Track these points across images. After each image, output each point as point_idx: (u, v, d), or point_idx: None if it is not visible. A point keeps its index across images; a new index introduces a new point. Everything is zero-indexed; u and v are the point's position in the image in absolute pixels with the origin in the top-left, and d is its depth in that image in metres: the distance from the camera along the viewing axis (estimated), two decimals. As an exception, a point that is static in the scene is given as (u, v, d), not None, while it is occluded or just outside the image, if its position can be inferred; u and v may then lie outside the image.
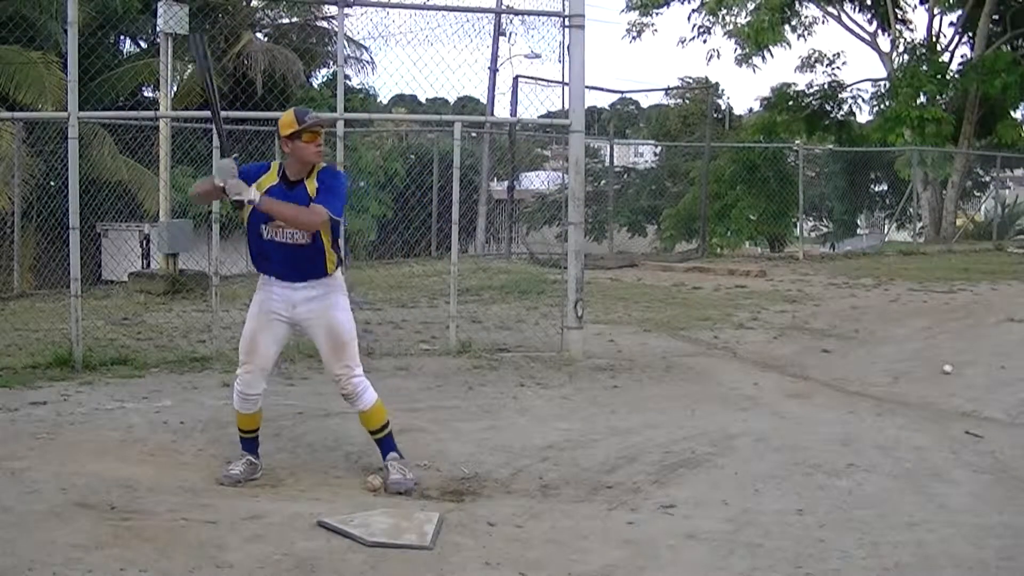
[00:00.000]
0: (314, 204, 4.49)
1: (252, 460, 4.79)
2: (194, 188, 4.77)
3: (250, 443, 4.83)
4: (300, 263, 4.60)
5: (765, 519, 4.32)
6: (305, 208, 4.47)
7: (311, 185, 4.57)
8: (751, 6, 21.43)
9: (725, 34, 21.98)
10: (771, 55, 21.31)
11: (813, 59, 23.04)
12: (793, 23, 22.38)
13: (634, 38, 22.75)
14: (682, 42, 23.04)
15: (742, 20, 21.50)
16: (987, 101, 21.07)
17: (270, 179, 4.58)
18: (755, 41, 20.74)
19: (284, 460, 4.99)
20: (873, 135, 21.59)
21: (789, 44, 22.06)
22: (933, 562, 3.86)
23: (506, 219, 17.58)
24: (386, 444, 4.81)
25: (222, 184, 4.40)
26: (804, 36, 22.93)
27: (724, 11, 21.56)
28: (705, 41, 22.64)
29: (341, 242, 4.95)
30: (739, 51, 21.58)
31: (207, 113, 9.01)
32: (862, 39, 23.03)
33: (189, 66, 17.09)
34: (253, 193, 4.41)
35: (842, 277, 13.87)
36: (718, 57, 22.99)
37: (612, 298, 11.51)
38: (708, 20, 22.13)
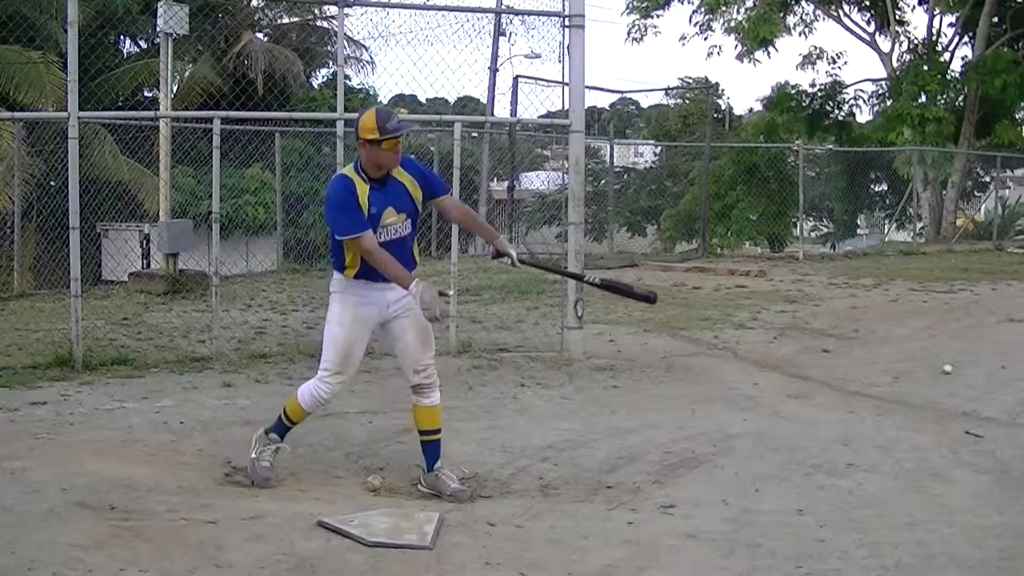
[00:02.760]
0: (449, 197, 4.78)
1: (281, 447, 4.69)
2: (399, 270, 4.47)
3: (287, 430, 4.73)
4: (403, 255, 4.52)
5: (765, 519, 4.32)
6: (476, 219, 4.96)
7: (401, 175, 4.53)
8: (749, 2, 21.45)
9: (724, 30, 21.97)
10: (775, 49, 21.25)
11: (815, 56, 23.01)
12: (793, 20, 22.39)
13: (636, 40, 22.73)
14: (683, 39, 23.04)
15: (741, 16, 21.51)
16: (987, 101, 21.06)
17: (363, 188, 4.44)
18: (754, 35, 20.70)
19: (284, 460, 4.97)
20: (874, 134, 21.59)
21: (790, 31, 22.01)
22: (933, 562, 3.86)
23: (506, 219, 17.58)
24: (435, 450, 4.71)
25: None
26: (805, 33, 22.95)
27: (723, 7, 21.55)
28: (706, 39, 22.66)
29: None
30: (739, 47, 21.56)
31: (209, 114, 9.02)
32: (861, 39, 23.04)
33: (188, 66, 17.07)
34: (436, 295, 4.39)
35: (842, 277, 13.87)
36: (719, 53, 22.94)
37: (612, 298, 11.48)
38: (708, 17, 22.13)
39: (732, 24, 21.64)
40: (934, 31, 22.40)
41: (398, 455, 5.15)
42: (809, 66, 23.15)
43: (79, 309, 7.09)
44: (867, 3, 22.88)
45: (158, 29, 11.30)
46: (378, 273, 4.45)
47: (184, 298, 10.87)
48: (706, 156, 18.57)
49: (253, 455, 4.67)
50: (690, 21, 22.52)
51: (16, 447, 5.00)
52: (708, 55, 24.18)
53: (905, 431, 5.88)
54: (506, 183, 16.97)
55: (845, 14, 22.95)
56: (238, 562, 3.64)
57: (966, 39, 22.23)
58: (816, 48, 23.11)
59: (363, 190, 4.44)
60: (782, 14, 21.43)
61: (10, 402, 5.97)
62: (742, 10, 21.53)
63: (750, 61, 21.56)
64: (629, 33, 22.74)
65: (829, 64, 23.02)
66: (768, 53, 21.27)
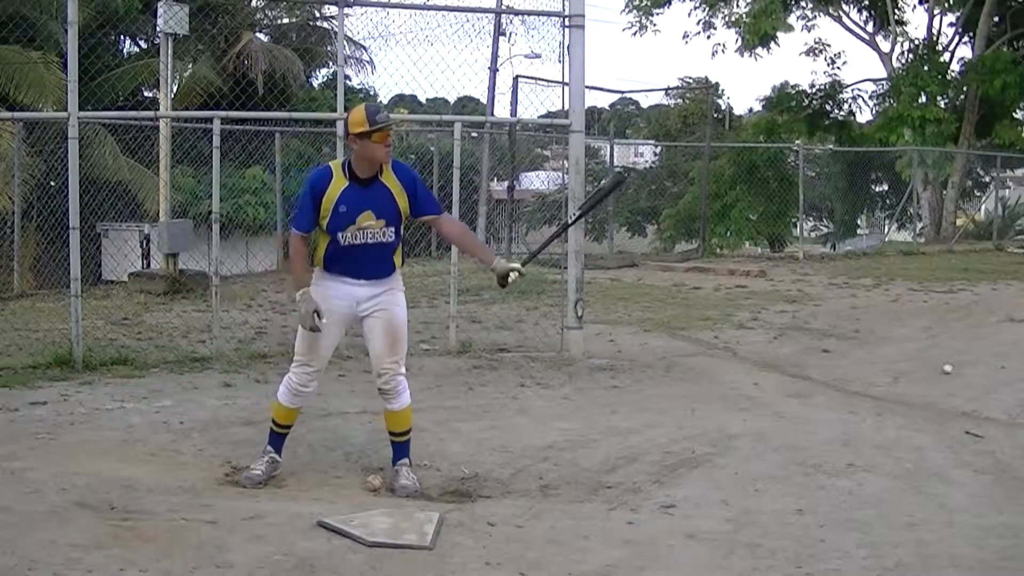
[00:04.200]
0: (443, 216, 4.80)
1: (276, 458, 4.73)
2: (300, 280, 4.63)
3: (280, 439, 4.77)
4: (378, 262, 4.59)
5: (765, 519, 4.32)
6: (470, 238, 4.98)
7: (390, 181, 4.55)
8: None
9: (725, 24, 21.98)
10: (776, 44, 21.24)
11: (818, 49, 23.02)
12: (794, 17, 22.41)
13: (635, 33, 22.75)
14: (686, 37, 23.05)
15: (742, 9, 21.54)
16: (987, 101, 21.07)
17: (338, 184, 4.50)
18: (756, 29, 20.70)
19: (284, 460, 4.97)
20: (873, 135, 21.59)
21: (791, 27, 22.03)
22: (933, 562, 3.86)
23: (506, 219, 17.57)
24: (403, 449, 4.78)
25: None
26: (807, 27, 22.98)
27: (723, 1, 21.57)
28: (709, 36, 22.68)
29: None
30: (739, 41, 21.56)
31: (209, 114, 9.01)
32: (861, 39, 23.05)
33: (191, 67, 17.04)
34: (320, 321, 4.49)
35: (842, 277, 13.87)
36: (723, 51, 22.97)
37: (612, 298, 11.51)
38: (708, 13, 22.14)
39: (734, 18, 21.66)
40: (934, 31, 22.42)
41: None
42: (813, 56, 23.15)
43: (79, 309, 7.09)
44: (867, 3, 22.89)
45: (158, 29, 11.30)
46: (351, 269, 4.57)
47: (184, 298, 10.87)
48: (706, 156, 18.57)
49: (252, 464, 4.74)
50: (689, 16, 22.58)
51: (16, 447, 5.00)
52: (712, 54, 24.08)
53: (905, 431, 5.88)
54: (506, 183, 16.96)
55: (845, 14, 22.97)
56: (238, 562, 3.64)
57: (966, 39, 22.24)
58: (819, 40, 23.16)
59: (337, 186, 4.50)
60: (784, 11, 21.43)
61: (10, 402, 5.97)
62: (743, 3, 21.58)
63: (751, 55, 21.57)
64: (630, 24, 22.79)
65: (828, 64, 23.05)
66: (769, 48, 21.28)
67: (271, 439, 4.77)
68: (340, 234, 4.51)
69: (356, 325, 4.79)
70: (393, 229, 4.59)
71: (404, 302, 4.75)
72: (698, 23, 22.46)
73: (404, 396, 4.74)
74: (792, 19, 22.34)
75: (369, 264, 4.59)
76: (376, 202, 4.53)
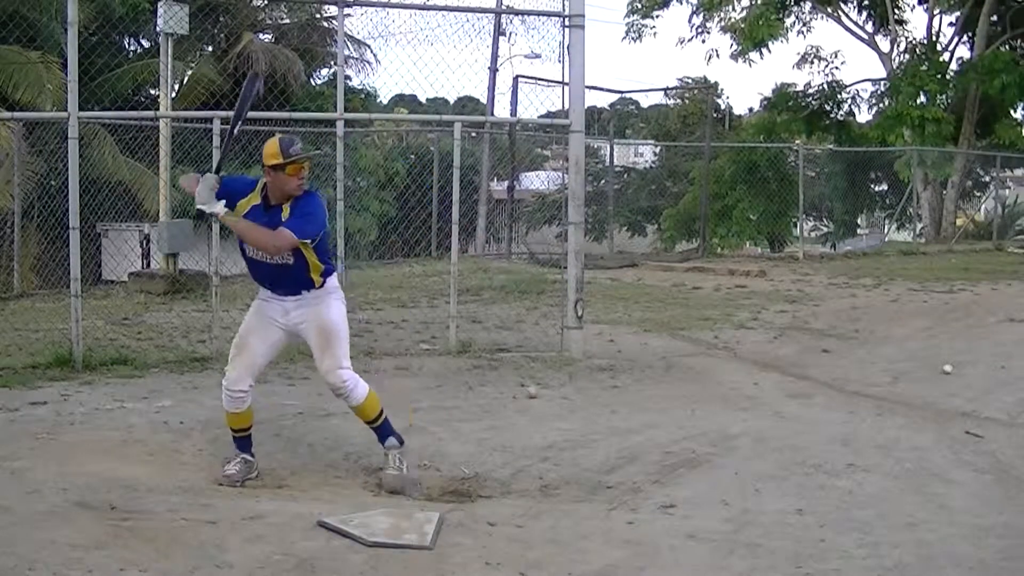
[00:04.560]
0: (281, 228, 4.46)
1: (247, 458, 4.77)
2: (181, 180, 4.86)
3: (243, 441, 4.81)
4: (285, 280, 4.66)
5: (765, 519, 4.32)
6: (270, 232, 4.46)
7: (286, 209, 4.57)
8: (746, 1, 21.45)
9: (721, 29, 21.97)
10: (768, 51, 21.26)
11: (811, 56, 23.00)
12: (791, 20, 22.37)
13: (634, 39, 22.74)
14: (681, 42, 23.04)
15: (737, 15, 21.52)
16: (987, 101, 21.06)
17: (252, 199, 4.62)
18: (751, 36, 20.70)
19: (284, 460, 4.99)
20: (872, 134, 21.58)
21: (787, 39, 22.05)
22: (933, 562, 3.86)
23: (506, 219, 17.58)
24: (383, 431, 4.83)
25: (192, 190, 4.53)
26: (803, 33, 22.95)
27: (720, 6, 21.55)
28: (704, 41, 22.66)
29: (333, 253, 4.95)
30: (735, 47, 21.56)
31: (209, 114, 9.03)
32: (861, 39, 23.04)
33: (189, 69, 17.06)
34: (217, 208, 4.51)
35: (842, 277, 13.87)
36: (717, 56, 22.97)
37: (612, 298, 11.51)
38: (706, 18, 22.13)
39: (729, 24, 21.65)
40: (933, 31, 22.41)
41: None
42: (806, 65, 23.16)
43: (79, 309, 7.09)
44: (866, 2, 22.88)
45: (158, 29, 11.29)
46: (268, 284, 4.70)
47: (184, 298, 10.86)
48: (706, 156, 18.57)
49: (225, 465, 4.77)
50: (689, 22, 22.56)
51: (16, 447, 5.00)
52: (707, 60, 24.06)
53: (905, 431, 5.89)
54: (506, 183, 16.97)
55: (844, 14, 22.95)
56: (238, 562, 3.64)
57: (965, 39, 22.23)
58: (813, 48, 23.11)
59: (249, 201, 4.61)
60: (780, 15, 21.41)
61: (10, 402, 5.97)
62: (739, 8, 21.56)
63: (745, 61, 21.58)
64: (628, 32, 22.78)
65: (823, 64, 23.00)
66: (762, 53, 21.30)
67: (236, 444, 4.82)
68: (244, 245, 4.64)
69: (295, 337, 4.83)
70: (290, 252, 4.56)
71: (337, 306, 4.76)
72: (692, 28, 22.45)
73: (358, 390, 4.75)
74: (788, 22, 22.29)
75: (281, 281, 4.67)
76: (270, 223, 4.53)
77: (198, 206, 4.52)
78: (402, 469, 4.74)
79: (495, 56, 19.49)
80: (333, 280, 4.80)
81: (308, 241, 4.54)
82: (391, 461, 4.76)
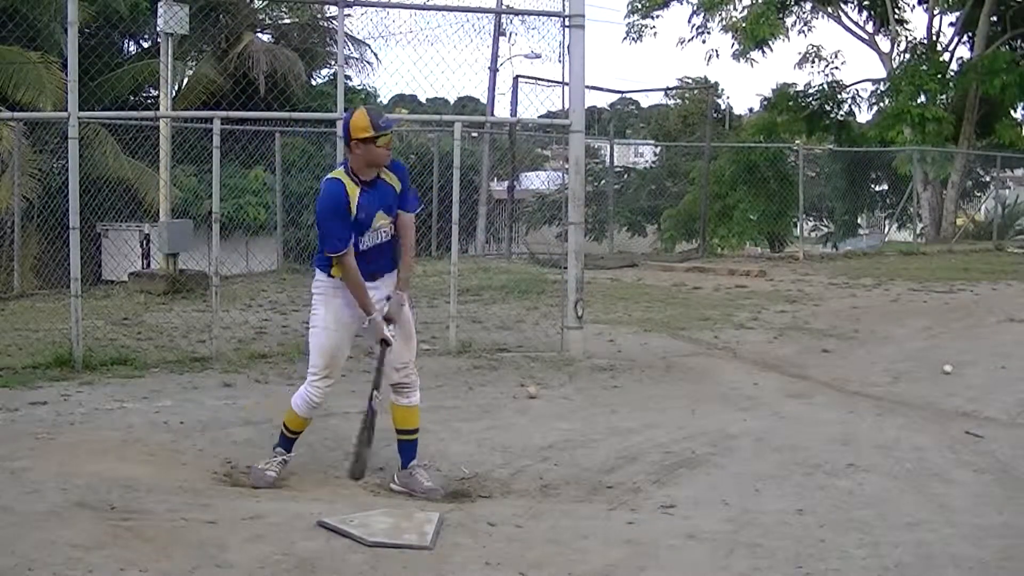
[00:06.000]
0: (408, 216, 4.65)
1: (288, 459, 4.79)
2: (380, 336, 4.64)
3: (291, 442, 4.82)
4: (386, 258, 4.66)
5: (765, 519, 4.32)
6: (413, 241, 4.73)
7: (390, 178, 4.60)
8: (747, 0, 21.45)
9: (721, 29, 21.97)
10: (770, 49, 21.25)
11: (812, 55, 23.00)
12: (791, 20, 22.37)
13: (634, 40, 22.75)
14: (681, 43, 23.04)
15: (738, 14, 21.51)
16: (987, 101, 21.06)
17: (353, 192, 4.50)
18: (752, 35, 20.69)
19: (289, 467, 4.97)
20: (872, 133, 21.58)
21: (787, 37, 22.04)
22: (933, 562, 3.86)
23: (506, 219, 17.58)
24: (412, 448, 4.82)
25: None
26: (804, 32, 22.95)
27: (720, 5, 21.55)
28: (704, 41, 22.66)
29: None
30: (736, 46, 21.55)
31: (209, 114, 9.02)
32: (861, 39, 23.04)
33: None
34: (391, 330, 4.56)
35: (842, 277, 13.87)
36: (717, 57, 22.97)
37: (612, 298, 11.51)
38: (706, 18, 22.13)
39: (730, 23, 21.64)
40: (934, 31, 22.42)
41: (398, 455, 5.14)
42: (806, 65, 23.16)
43: (79, 309, 7.09)
44: (866, 2, 22.88)
45: (158, 29, 11.30)
46: (363, 272, 4.55)
47: (184, 298, 10.86)
48: (706, 156, 18.57)
49: (262, 464, 4.75)
50: (689, 23, 22.56)
51: (16, 447, 5.00)
52: (707, 60, 24.05)
53: (905, 431, 5.88)
54: (506, 183, 16.98)
55: (844, 14, 22.95)
56: (238, 562, 3.64)
57: (965, 39, 22.24)
58: (813, 47, 23.11)
59: (354, 193, 4.51)
60: (780, 15, 21.41)
61: (10, 402, 5.97)
62: (739, 7, 21.56)
63: (746, 61, 21.57)
64: (628, 33, 22.78)
65: (824, 64, 23.00)
66: (764, 52, 21.28)
67: (284, 443, 4.80)
68: (359, 240, 4.54)
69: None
70: (394, 224, 4.65)
71: (407, 299, 4.78)
72: (693, 28, 22.44)
73: (418, 392, 4.81)
74: (789, 22, 22.30)
75: (377, 262, 4.63)
76: (385, 200, 4.59)
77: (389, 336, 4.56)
78: (435, 481, 4.75)
79: (495, 56, 19.52)
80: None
81: None
82: (421, 473, 4.75)
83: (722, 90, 36.43)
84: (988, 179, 24.68)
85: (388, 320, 4.59)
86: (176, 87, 17.50)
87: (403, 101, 24.81)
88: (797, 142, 20.08)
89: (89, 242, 13.11)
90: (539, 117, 12.57)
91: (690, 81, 29.00)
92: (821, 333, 9.42)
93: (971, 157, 22.15)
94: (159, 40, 11.99)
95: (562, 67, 12.90)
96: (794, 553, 3.92)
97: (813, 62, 22.97)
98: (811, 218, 24.39)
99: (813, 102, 22.68)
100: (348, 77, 20.80)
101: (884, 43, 22.83)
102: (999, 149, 21.10)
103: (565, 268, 8.09)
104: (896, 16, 22.40)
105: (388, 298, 4.64)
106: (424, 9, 9.24)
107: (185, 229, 11.51)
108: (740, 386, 7.12)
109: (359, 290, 4.50)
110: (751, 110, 29.57)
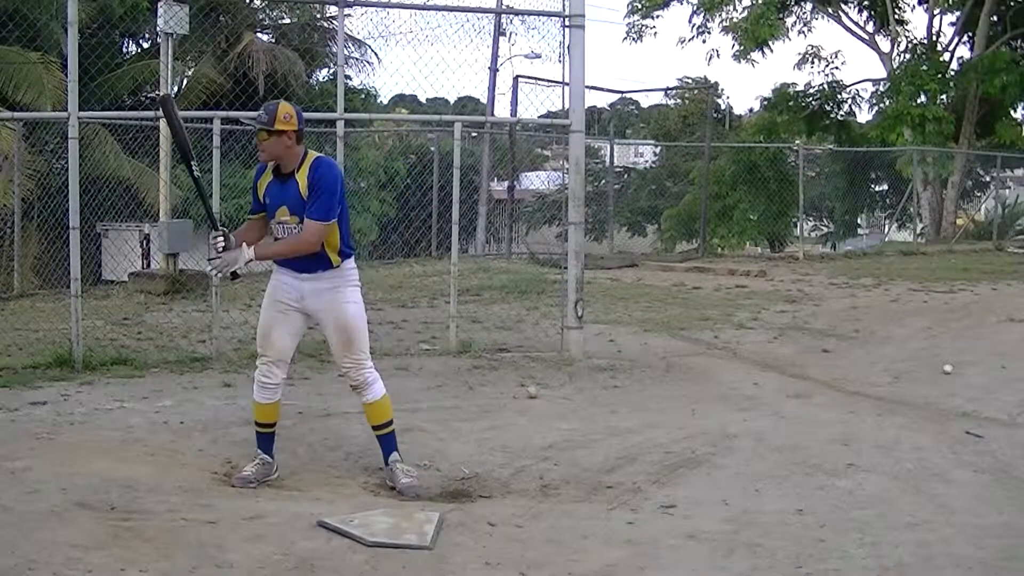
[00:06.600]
0: (307, 222, 4.47)
1: (267, 459, 4.75)
2: (216, 273, 4.78)
3: (267, 439, 4.79)
4: (307, 256, 4.59)
5: (765, 519, 4.32)
6: (299, 237, 4.50)
7: (302, 178, 4.52)
8: (747, 1, 21.45)
9: (722, 30, 21.96)
10: (770, 50, 21.26)
11: (811, 56, 23.00)
12: (792, 20, 22.37)
13: (634, 40, 22.75)
14: (681, 42, 23.03)
15: (738, 15, 21.51)
16: (987, 101, 21.06)
17: (266, 177, 4.63)
18: (752, 36, 20.69)
19: (284, 460, 4.98)
20: (872, 133, 21.58)
21: (788, 37, 22.04)
22: (933, 562, 3.86)
23: (506, 219, 17.58)
24: (388, 442, 4.79)
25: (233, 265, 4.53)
26: (804, 32, 22.95)
27: (721, 6, 21.55)
28: (704, 41, 22.66)
29: (350, 233, 4.81)
30: (736, 47, 21.55)
31: (209, 114, 9.02)
32: (861, 39, 23.04)
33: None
34: (246, 256, 4.50)
35: (842, 277, 13.87)
36: (718, 56, 22.98)
37: (612, 298, 11.51)
38: (706, 18, 22.13)
39: (730, 23, 21.64)
40: (934, 31, 22.42)
41: (398, 455, 5.15)
42: (807, 65, 23.15)
43: (79, 309, 7.09)
44: (867, 2, 22.88)
45: (158, 29, 11.29)
46: (286, 261, 4.63)
47: (184, 298, 10.86)
48: (706, 156, 18.57)
49: (244, 466, 4.76)
50: (689, 22, 22.56)
51: (16, 447, 5.00)
52: (708, 60, 24.05)
53: (905, 431, 5.88)
54: (506, 183, 16.98)
55: (844, 14, 22.95)
56: (238, 562, 3.64)
57: (966, 39, 22.23)
58: (813, 47, 23.10)
59: (266, 179, 4.63)
60: (781, 15, 21.41)
61: (10, 402, 5.97)
62: (740, 7, 21.56)
63: (747, 61, 21.57)
64: (628, 33, 22.77)
65: (824, 64, 22.99)
66: (764, 53, 21.28)
67: (258, 441, 4.81)
68: (270, 225, 4.64)
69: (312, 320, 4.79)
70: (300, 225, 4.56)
71: (354, 295, 4.70)
72: (693, 28, 22.44)
73: (375, 387, 4.74)
74: (789, 22, 22.30)
75: (300, 258, 4.59)
76: (289, 198, 4.55)
77: (233, 270, 4.54)
78: (414, 474, 4.73)
79: (495, 56, 19.53)
80: (350, 263, 4.71)
81: (336, 220, 4.54)
82: (401, 470, 4.72)
83: (722, 90, 36.46)
84: (988, 179, 24.70)
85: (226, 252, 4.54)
86: (176, 87, 17.50)
87: (403, 101, 24.83)
88: (797, 142, 20.07)
89: (89, 242, 13.11)
90: (539, 117, 12.55)
91: (690, 81, 28.98)
92: (821, 333, 9.42)
93: (971, 157, 22.16)
94: (159, 40, 11.98)
95: (562, 67, 12.90)
96: (794, 553, 3.92)
97: (813, 62, 22.96)
98: (811, 218, 24.42)
99: (813, 102, 22.66)
100: (348, 77, 20.79)
101: (884, 43, 22.84)
102: (999, 149, 21.09)
103: (565, 268, 8.09)
104: (896, 16, 22.39)
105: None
106: (424, 9, 9.23)
107: (185, 229, 11.50)
108: (740, 386, 7.12)
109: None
110: (751, 110, 29.58)
